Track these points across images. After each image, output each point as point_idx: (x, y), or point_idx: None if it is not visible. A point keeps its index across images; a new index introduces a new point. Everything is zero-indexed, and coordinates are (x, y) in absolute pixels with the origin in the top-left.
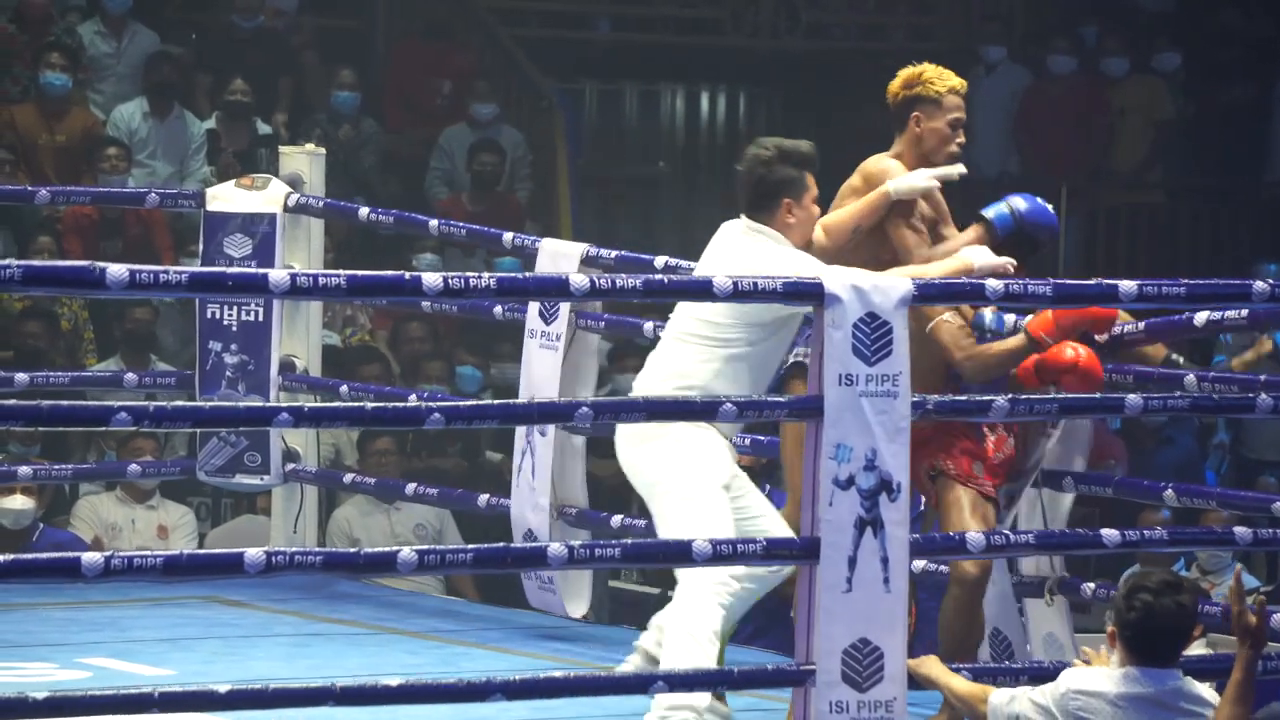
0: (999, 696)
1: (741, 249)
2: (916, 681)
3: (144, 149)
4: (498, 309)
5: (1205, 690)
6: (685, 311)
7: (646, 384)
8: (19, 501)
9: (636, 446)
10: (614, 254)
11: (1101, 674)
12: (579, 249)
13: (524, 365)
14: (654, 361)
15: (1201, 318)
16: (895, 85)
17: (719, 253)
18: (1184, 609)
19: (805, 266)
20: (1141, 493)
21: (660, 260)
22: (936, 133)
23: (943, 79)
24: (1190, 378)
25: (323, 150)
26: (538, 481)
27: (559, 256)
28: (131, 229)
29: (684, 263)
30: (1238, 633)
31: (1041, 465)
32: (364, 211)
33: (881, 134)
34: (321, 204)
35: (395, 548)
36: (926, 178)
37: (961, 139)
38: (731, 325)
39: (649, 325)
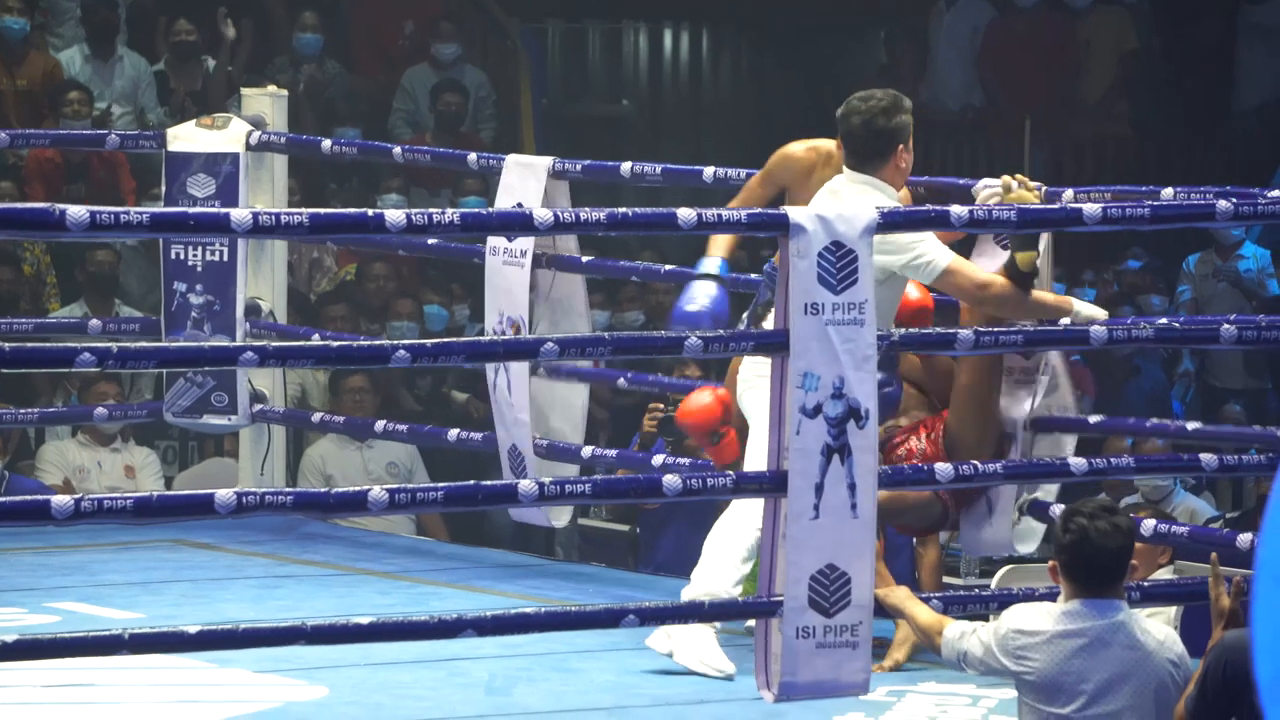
0: (953, 630)
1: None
2: (884, 610)
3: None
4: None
5: (1154, 626)
6: None
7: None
8: None
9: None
10: (580, 165)
11: (1043, 610)
12: (545, 162)
13: (488, 284)
14: None
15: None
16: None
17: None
18: (1120, 529)
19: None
20: (1123, 430)
21: (626, 166)
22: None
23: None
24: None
25: (285, 92)
26: (515, 397)
27: (525, 170)
28: (96, 173)
29: (648, 167)
30: (1214, 614)
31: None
32: (326, 144)
33: (845, 73)
34: (284, 140)
35: (368, 486)
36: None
37: None
38: None
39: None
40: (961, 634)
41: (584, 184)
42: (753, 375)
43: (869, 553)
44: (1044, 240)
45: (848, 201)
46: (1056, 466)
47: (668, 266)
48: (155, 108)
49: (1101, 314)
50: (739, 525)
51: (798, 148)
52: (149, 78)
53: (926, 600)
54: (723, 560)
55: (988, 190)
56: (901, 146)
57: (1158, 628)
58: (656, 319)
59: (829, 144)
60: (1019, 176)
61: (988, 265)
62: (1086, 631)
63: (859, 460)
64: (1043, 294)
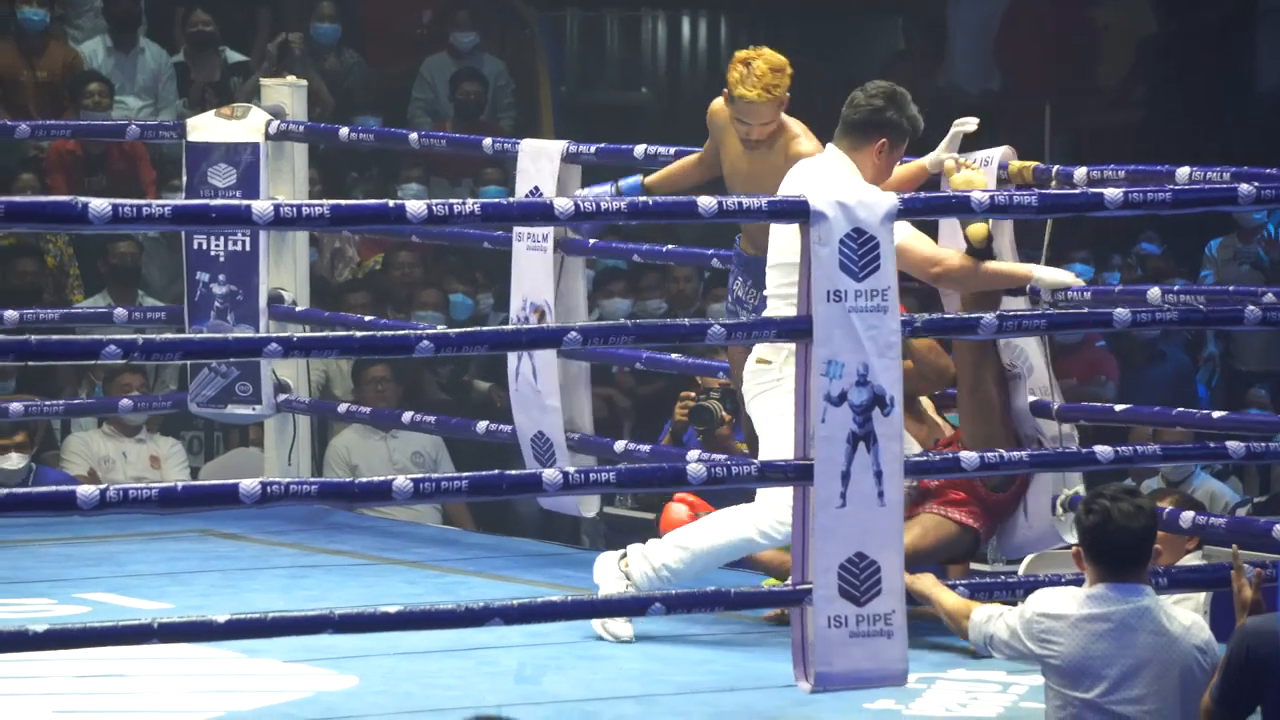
0: (979, 614)
1: (817, 173)
2: (911, 596)
3: (113, 85)
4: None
5: (1180, 612)
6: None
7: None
8: (13, 460)
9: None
10: (594, 148)
11: (1068, 594)
12: (559, 146)
13: (514, 270)
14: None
15: None
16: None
17: (799, 176)
18: (1142, 511)
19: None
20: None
21: (640, 149)
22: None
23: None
24: (1154, 290)
25: (304, 82)
26: (542, 383)
27: (539, 155)
28: (115, 164)
29: (663, 149)
30: (1237, 606)
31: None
32: (344, 131)
33: (863, 59)
34: (302, 128)
35: (393, 475)
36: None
37: None
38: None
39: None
40: (988, 618)
41: (598, 167)
42: (756, 385)
43: (898, 541)
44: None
45: (801, 168)
46: (1083, 455)
47: (669, 247)
48: (174, 100)
49: (1068, 278)
50: (742, 520)
51: (719, 101)
52: (169, 69)
53: (953, 587)
54: (683, 541)
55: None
56: (884, 141)
57: (1184, 613)
58: (678, 306)
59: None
60: (967, 162)
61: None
62: (1111, 616)
63: (885, 447)
64: (998, 265)
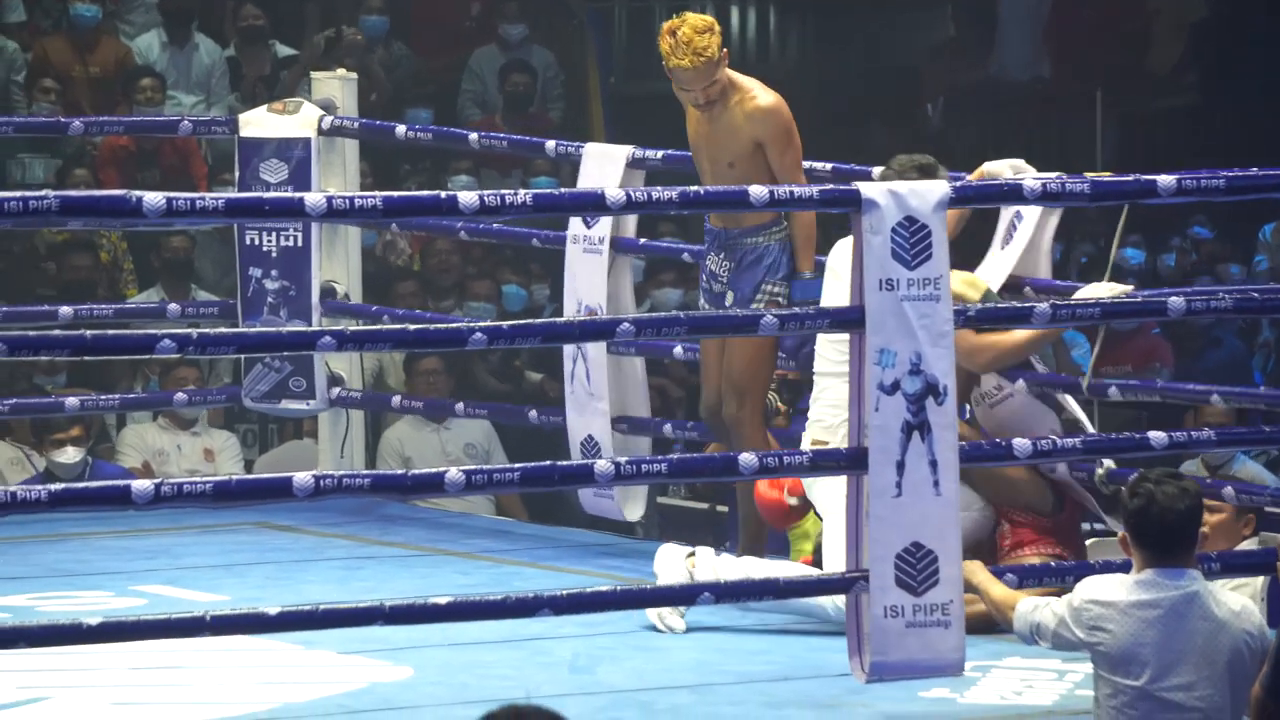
0: (1025, 604)
1: None
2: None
3: (166, 79)
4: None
5: (1230, 596)
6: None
7: (821, 409)
8: (70, 454)
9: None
10: (660, 154)
11: (1116, 581)
12: (624, 151)
13: (567, 271)
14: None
15: None
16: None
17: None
18: (1187, 492)
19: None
20: (1188, 396)
21: None
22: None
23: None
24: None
25: (354, 75)
26: (594, 386)
27: (605, 159)
28: (168, 159)
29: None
30: None
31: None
32: (401, 129)
33: (913, 47)
34: (357, 124)
35: (446, 467)
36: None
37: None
38: None
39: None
40: (1034, 607)
41: (663, 173)
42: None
43: (954, 530)
44: (1054, 216)
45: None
46: (1136, 440)
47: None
48: (226, 95)
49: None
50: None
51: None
52: (222, 64)
53: (1001, 575)
54: (760, 573)
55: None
56: None
57: (1234, 598)
58: None
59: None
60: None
61: (1001, 263)
62: (1161, 602)
63: (939, 437)
64: (1021, 333)
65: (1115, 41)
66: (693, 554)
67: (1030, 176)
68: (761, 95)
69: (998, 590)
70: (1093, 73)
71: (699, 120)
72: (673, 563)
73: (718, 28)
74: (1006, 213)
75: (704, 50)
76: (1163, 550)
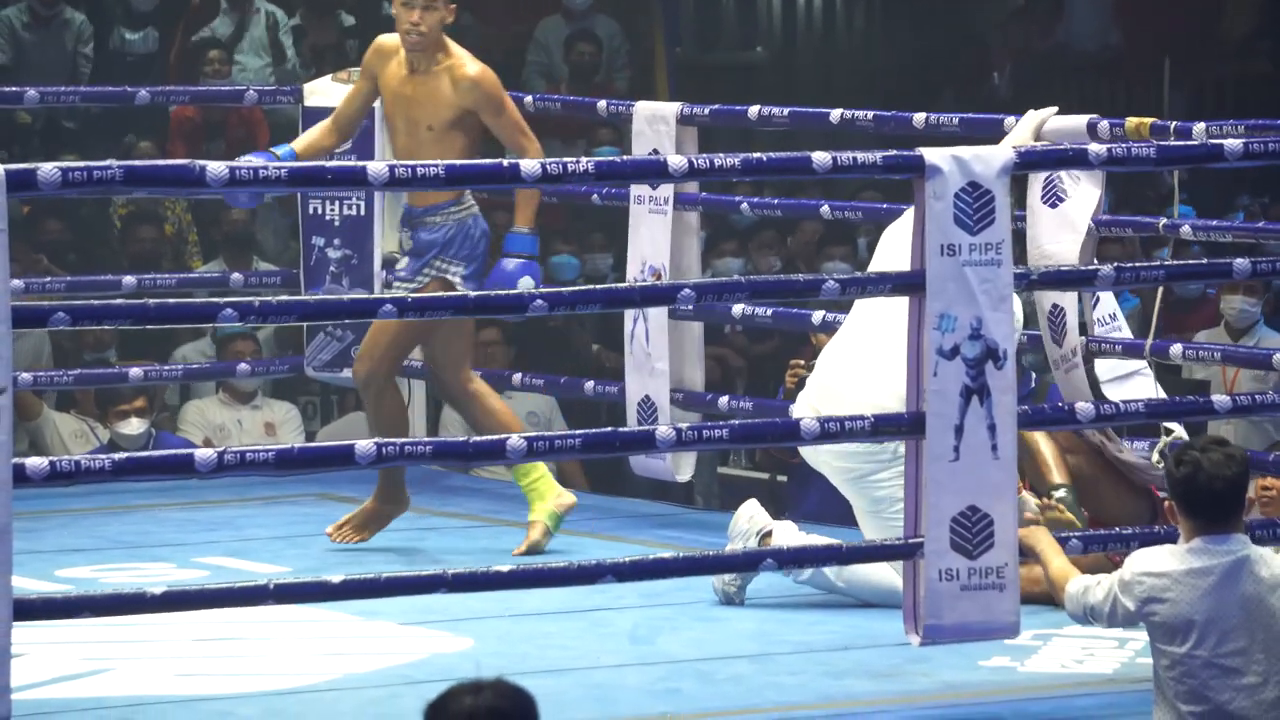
0: (1075, 585)
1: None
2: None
3: (231, 47)
4: (595, 197)
5: (1276, 559)
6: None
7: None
8: (134, 425)
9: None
10: (708, 110)
11: (1166, 552)
12: (673, 108)
13: (632, 233)
14: (878, 368)
15: None
16: None
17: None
18: (1233, 459)
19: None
20: (1247, 361)
21: (754, 110)
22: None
23: None
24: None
25: None
26: (653, 346)
27: (655, 118)
28: (235, 130)
29: (777, 109)
30: None
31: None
32: None
33: (982, 16)
34: None
35: (505, 435)
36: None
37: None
38: None
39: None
40: (1085, 588)
41: (713, 129)
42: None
43: (1011, 494)
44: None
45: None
46: (1201, 405)
47: (779, 200)
48: (293, 60)
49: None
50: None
51: (379, 39)
52: (288, 31)
53: (1066, 540)
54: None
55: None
56: None
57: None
58: (790, 264)
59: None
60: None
61: (1064, 237)
62: (1214, 569)
63: (998, 401)
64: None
65: (1186, 9)
66: (769, 533)
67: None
68: (470, 64)
69: (1056, 563)
70: (1162, 40)
71: (402, 82)
72: (746, 528)
73: None
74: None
75: None
76: (1211, 518)
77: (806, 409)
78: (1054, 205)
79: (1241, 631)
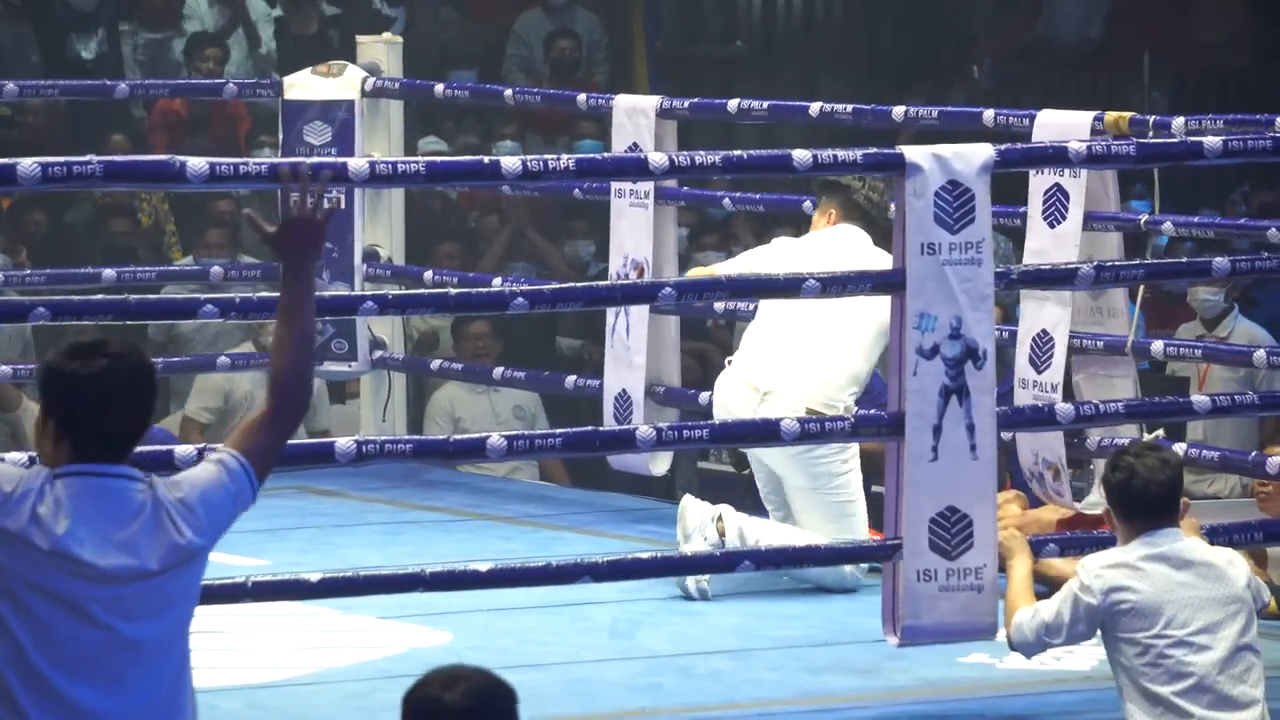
0: (1023, 613)
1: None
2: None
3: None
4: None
5: (1218, 550)
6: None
7: (813, 386)
8: None
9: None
10: (687, 103)
11: (1116, 550)
12: (653, 102)
13: (613, 225)
14: (816, 358)
15: None
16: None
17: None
18: (1168, 464)
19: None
20: (1229, 357)
21: (733, 104)
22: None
23: None
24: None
25: (400, 39)
26: (633, 341)
27: (635, 112)
28: (218, 124)
29: (756, 103)
30: None
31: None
32: (439, 88)
33: (962, 9)
34: (397, 85)
35: (495, 429)
36: None
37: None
38: None
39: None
40: (1034, 610)
41: (693, 122)
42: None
43: (991, 495)
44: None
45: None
46: (1180, 405)
47: (761, 195)
48: (267, 41)
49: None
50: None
51: None
52: (269, 22)
53: (1045, 543)
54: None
55: None
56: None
57: (1221, 550)
58: None
59: None
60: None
61: (1065, 242)
62: (1168, 555)
63: (977, 401)
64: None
65: (1167, 3)
66: (720, 517)
67: None
68: None
69: (1019, 578)
70: (1142, 32)
71: None
72: (699, 521)
73: None
74: (1039, 187)
75: None
76: (1148, 522)
77: (739, 390)
78: (1054, 226)
79: (1208, 610)
